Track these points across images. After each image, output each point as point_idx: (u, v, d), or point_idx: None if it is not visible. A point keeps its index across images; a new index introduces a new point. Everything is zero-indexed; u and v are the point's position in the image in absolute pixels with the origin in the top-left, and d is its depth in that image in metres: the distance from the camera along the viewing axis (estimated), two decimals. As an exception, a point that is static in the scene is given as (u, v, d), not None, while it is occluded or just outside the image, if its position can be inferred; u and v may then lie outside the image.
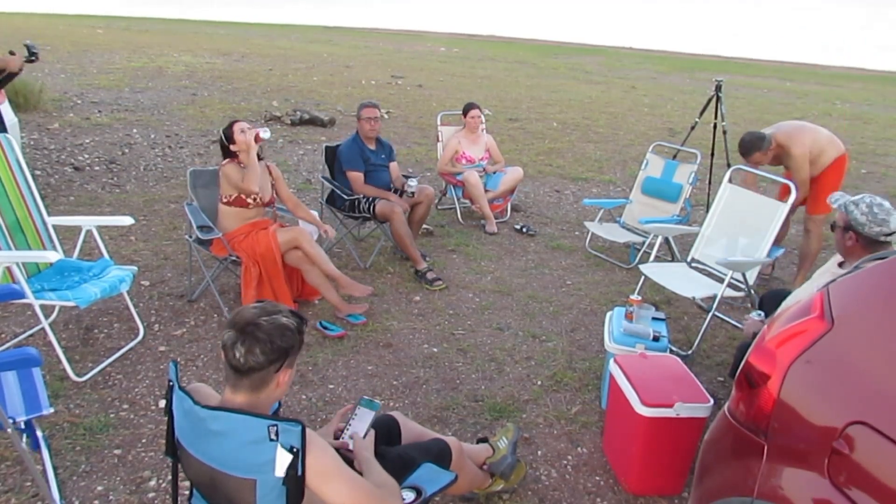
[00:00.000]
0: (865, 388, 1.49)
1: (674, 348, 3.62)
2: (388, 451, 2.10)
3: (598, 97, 13.53)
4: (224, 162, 3.82)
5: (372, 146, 4.79)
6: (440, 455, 2.16)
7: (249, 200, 3.80)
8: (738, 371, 1.81)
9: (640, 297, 3.36)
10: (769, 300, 3.30)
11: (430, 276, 4.47)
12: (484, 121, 5.99)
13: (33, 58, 4.29)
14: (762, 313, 3.13)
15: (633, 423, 2.55)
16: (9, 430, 2.08)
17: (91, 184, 5.91)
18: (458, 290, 4.45)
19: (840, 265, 2.86)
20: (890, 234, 2.64)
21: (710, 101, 5.66)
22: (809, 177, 4.39)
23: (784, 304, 2.91)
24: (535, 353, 3.70)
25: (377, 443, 2.06)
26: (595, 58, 21.82)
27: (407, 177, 4.93)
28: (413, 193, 4.75)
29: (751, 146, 4.30)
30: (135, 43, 16.44)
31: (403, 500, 1.90)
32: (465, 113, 5.81)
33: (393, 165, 4.94)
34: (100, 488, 2.50)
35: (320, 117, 8.94)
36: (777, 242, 3.92)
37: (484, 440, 2.65)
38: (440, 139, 5.97)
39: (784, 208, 3.83)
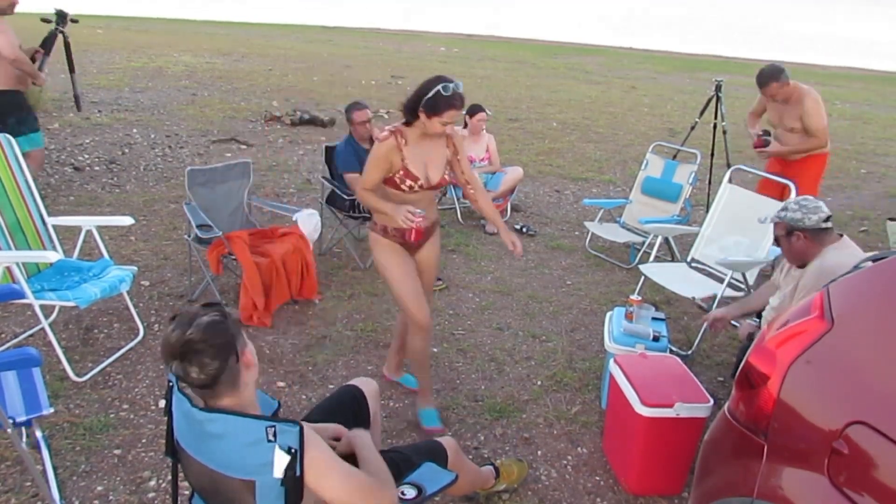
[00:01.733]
0: (865, 388, 1.48)
1: (674, 348, 3.62)
2: (384, 453, 2.10)
3: (598, 97, 13.53)
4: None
5: (366, 145, 4.78)
6: (435, 455, 2.16)
7: (405, 186, 2.76)
8: (738, 371, 1.81)
9: (640, 297, 3.36)
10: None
11: None
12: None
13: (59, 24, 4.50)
14: (758, 320, 3.13)
15: (633, 423, 2.55)
16: (9, 430, 2.08)
17: (91, 184, 5.91)
18: (458, 290, 4.45)
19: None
20: (828, 219, 2.69)
21: (710, 101, 5.66)
22: (799, 154, 4.40)
23: (765, 314, 2.94)
24: (535, 353, 3.70)
25: (345, 418, 2.09)
26: (595, 58, 21.81)
27: None
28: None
29: (770, 75, 4.27)
30: (135, 43, 16.42)
31: (404, 495, 1.90)
32: (470, 115, 5.75)
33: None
34: (100, 488, 2.50)
35: (320, 117, 8.94)
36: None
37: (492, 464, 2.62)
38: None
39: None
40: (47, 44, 4.62)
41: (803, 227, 2.69)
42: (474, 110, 5.73)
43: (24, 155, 3.51)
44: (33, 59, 4.56)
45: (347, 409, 2.21)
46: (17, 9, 4.36)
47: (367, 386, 2.32)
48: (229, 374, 1.62)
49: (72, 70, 5.03)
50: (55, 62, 4.75)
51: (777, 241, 2.85)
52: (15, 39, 4.31)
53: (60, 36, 4.65)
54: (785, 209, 2.77)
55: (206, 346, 1.58)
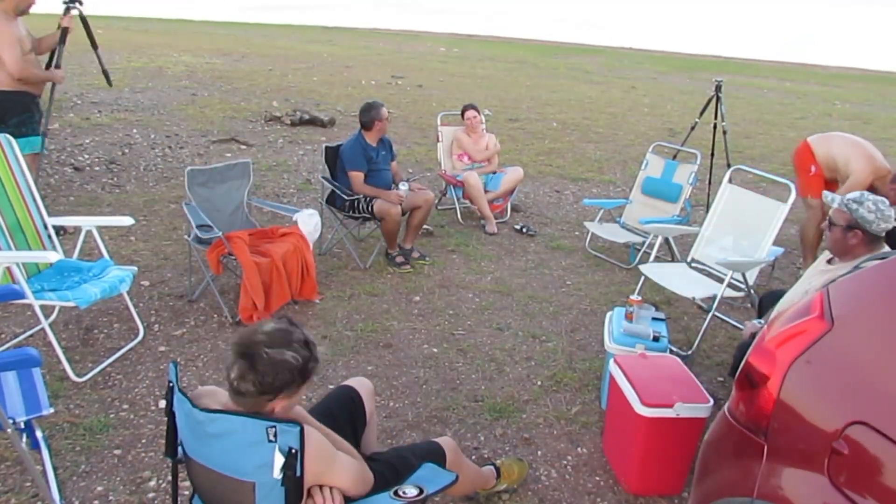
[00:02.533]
0: (865, 388, 1.48)
1: (674, 348, 3.62)
2: (383, 455, 2.10)
3: (598, 97, 13.53)
4: None
5: (374, 144, 4.79)
6: (433, 456, 2.16)
7: None
8: (738, 371, 1.81)
9: (640, 298, 3.36)
10: (768, 301, 3.30)
11: (398, 259, 4.60)
12: (484, 121, 6.01)
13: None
14: (763, 321, 3.13)
15: (633, 423, 2.55)
16: (9, 430, 2.08)
17: (91, 184, 5.91)
18: (457, 290, 4.44)
19: (829, 262, 2.87)
20: (891, 231, 2.66)
21: (709, 101, 5.66)
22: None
23: (778, 307, 2.92)
24: (535, 354, 3.70)
25: (342, 418, 2.11)
26: (595, 58, 21.82)
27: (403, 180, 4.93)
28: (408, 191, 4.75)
29: None
30: (135, 43, 16.43)
31: (405, 494, 1.90)
32: (461, 113, 5.89)
33: (392, 164, 4.96)
34: (100, 488, 2.50)
35: (320, 117, 8.94)
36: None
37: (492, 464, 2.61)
38: (440, 139, 5.98)
39: (784, 209, 3.83)
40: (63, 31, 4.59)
41: (868, 229, 2.64)
42: (464, 109, 5.92)
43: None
44: (61, 40, 4.56)
45: (344, 409, 2.21)
46: (34, 9, 4.35)
47: (362, 386, 2.33)
48: (253, 401, 1.65)
49: (95, 47, 4.99)
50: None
51: (830, 224, 2.76)
52: (23, 48, 4.26)
53: (77, 15, 4.60)
54: (859, 203, 2.67)
55: (261, 373, 1.61)
